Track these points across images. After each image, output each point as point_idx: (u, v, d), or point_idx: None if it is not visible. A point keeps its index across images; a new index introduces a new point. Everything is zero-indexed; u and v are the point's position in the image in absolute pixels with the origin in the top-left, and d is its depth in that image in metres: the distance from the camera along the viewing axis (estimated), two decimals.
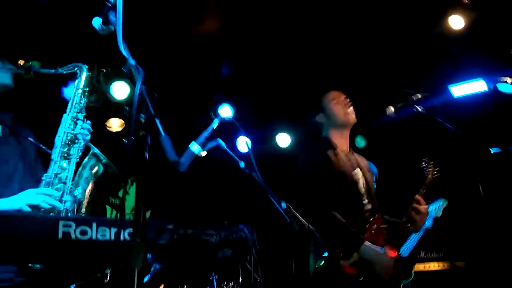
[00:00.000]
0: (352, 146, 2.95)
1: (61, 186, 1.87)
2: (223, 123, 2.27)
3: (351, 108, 2.87)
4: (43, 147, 2.05)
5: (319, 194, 2.44)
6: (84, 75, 2.07)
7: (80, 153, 1.99)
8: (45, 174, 1.90)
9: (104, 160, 1.97)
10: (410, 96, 2.76)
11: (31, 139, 2.04)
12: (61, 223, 1.19)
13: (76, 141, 1.97)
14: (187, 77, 4.94)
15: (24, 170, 2.00)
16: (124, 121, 5.45)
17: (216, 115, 5.00)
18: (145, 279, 2.36)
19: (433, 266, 4.73)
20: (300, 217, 1.82)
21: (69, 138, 1.96)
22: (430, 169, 2.88)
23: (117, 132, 5.41)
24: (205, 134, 2.13)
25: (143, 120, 1.29)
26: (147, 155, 1.99)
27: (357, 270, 2.36)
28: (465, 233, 4.59)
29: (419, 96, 2.64)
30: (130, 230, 1.27)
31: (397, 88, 3.02)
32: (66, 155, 1.93)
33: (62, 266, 1.41)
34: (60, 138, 1.95)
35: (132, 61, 1.46)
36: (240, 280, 4.17)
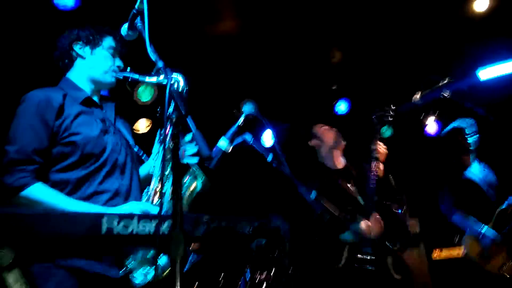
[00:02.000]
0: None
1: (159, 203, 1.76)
2: (248, 119, 2.32)
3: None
4: (141, 153, 2.12)
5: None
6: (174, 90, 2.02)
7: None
8: (147, 187, 1.91)
9: (202, 179, 1.97)
10: (436, 82, 2.73)
11: (132, 143, 2.09)
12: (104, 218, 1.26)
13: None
14: (209, 76, 5.01)
15: (132, 162, 2.04)
16: (151, 120, 5.58)
17: (240, 111, 5.04)
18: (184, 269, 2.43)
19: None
20: (329, 207, 1.85)
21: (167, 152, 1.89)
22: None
23: (144, 134, 5.54)
24: (232, 130, 2.18)
25: (174, 119, 1.36)
26: (180, 152, 2.07)
27: None
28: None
29: (445, 81, 2.61)
30: (168, 223, 1.34)
31: (423, 74, 3.00)
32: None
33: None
34: (159, 152, 1.95)
35: (160, 63, 1.53)
36: (273, 271, 4.23)
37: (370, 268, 2.56)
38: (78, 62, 2.06)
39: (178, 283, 1.17)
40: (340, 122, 6.15)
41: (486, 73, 4.68)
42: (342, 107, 6.17)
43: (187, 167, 1.99)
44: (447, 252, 4.74)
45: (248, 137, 2.13)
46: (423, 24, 4.52)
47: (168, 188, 1.78)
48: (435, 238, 4.92)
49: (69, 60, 2.06)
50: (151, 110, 5.29)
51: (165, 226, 1.34)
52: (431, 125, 5.83)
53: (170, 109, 1.41)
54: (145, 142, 2.17)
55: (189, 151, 2.03)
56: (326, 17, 4.52)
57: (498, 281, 3.12)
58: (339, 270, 2.44)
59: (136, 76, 1.96)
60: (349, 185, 2.84)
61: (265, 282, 4.34)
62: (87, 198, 1.79)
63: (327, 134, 3.15)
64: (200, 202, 1.92)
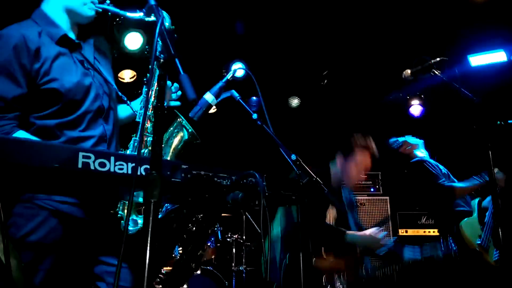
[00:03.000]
0: None
1: (147, 151, 1.78)
2: (237, 81, 2.27)
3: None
4: (120, 93, 2.03)
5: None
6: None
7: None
8: (134, 137, 1.86)
9: (190, 130, 1.94)
10: (427, 61, 2.72)
11: (111, 81, 2.00)
12: (80, 154, 1.23)
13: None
14: (201, 34, 4.88)
15: (114, 105, 1.98)
16: (135, 72, 5.47)
17: (229, 71, 4.97)
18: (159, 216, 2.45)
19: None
20: (308, 169, 1.86)
21: (154, 100, 1.87)
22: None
23: (128, 83, 5.43)
24: (219, 84, 2.14)
25: (162, 60, 1.31)
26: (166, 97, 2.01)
27: None
28: None
29: (437, 59, 2.60)
30: (146, 166, 1.32)
31: (416, 56, 2.98)
32: (151, 117, 1.83)
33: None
34: (145, 99, 1.88)
35: (152, 1, 1.47)
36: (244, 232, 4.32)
37: None
38: None
39: (151, 227, 1.17)
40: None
41: (477, 59, 4.71)
42: None
43: (174, 116, 1.97)
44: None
45: (235, 93, 2.08)
46: (419, 6, 4.47)
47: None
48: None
49: None
50: (138, 61, 5.17)
51: (142, 169, 1.32)
52: (415, 108, 5.92)
53: (159, 51, 1.36)
54: (129, 92, 2.11)
55: (173, 95, 1.99)
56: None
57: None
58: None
59: (117, 10, 1.86)
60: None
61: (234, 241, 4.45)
62: (72, 144, 1.74)
63: (365, 160, 2.98)
64: (184, 153, 1.91)
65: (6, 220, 1.62)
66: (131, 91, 2.16)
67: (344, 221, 2.94)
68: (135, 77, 5.51)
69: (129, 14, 1.82)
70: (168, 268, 3.44)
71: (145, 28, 4.66)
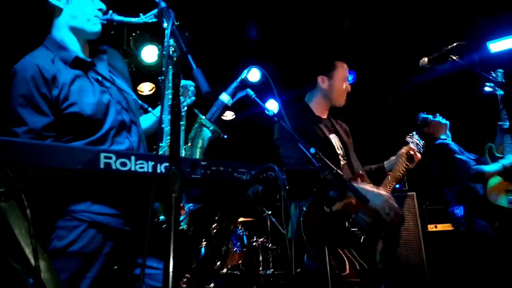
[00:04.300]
0: None
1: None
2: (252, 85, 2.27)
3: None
4: (140, 102, 2.06)
5: (295, 156, 2.48)
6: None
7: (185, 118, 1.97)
8: (160, 144, 1.86)
9: (211, 128, 1.95)
10: (444, 47, 2.67)
11: (130, 92, 2.03)
12: (102, 155, 1.26)
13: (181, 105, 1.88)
14: (216, 38, 4.94)
15: (135, 117, 2.01)
16: (154, 84, 5.57)
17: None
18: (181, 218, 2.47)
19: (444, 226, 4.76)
20: (328, 162, 1.84)
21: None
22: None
23: (148, 96, 5.54)
24: (234, 84, 2.15)
25: (175, 58, 1.34)
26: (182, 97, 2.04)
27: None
28: None
29: (454, 45, 2.55)
30: (166, 164, 1.34)
31: (434, 45, 2.93)
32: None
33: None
34: (164, 103, 1.88)
35: (163, 4, 1.50)
36: (269, 236, 4.31)
37: (360, 236, 2.45)
38: (57, 15, 1.91)
39: (173, 222, 1.18)
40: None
41: (497, 45, 4.59)
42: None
43: (195, 116, 1.98)
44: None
45: (250, 91, 2.09)
46: None
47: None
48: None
49: (48, 15, 1.93)
50: (156, 73, 5.28)
51: (162, 166, 1.33)
52: None
53: (171, 50, 1.38)
54: (148, 104, 2.15)
55: (190, 94, 2.01)
56: None
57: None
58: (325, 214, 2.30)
59: (121, 18, 1.88)
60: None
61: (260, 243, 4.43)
62: None
63: (346, 70, 2.95)
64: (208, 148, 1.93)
65: (49, 233, 1.72)
66: (151, 103, 2.20)
67: None
68: (153, 89, 5.62)
69: (134, 21, 1.84)
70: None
71: (160, 38, 4.76)
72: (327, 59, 2.90)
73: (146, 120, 2.19)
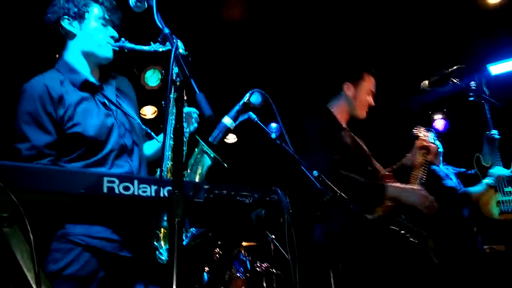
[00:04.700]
0: None
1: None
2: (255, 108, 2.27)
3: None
4: (144, 127, 2.08)
5: (333, 160, 2.46)
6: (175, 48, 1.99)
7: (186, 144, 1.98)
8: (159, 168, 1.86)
9: (212, 155, 1.97)
10: (445, 70, 2.70)
11: (136, 118, 2.06)
12: (105, 179, 1.26)
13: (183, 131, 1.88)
14: (218, 61, 5.01)
15: (139, 141, 2.03)
16: (157, 108, 5.62)
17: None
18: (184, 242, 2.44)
19: None
20: (331, 185, 1.83)
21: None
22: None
23: (150, 119, 5.59)
24: (236, 108, 2.16)
25: (178, 82, 1.35)
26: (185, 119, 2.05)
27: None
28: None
29: (454, 68, 2.58)
30: (169, 187, 1.34)
31: (433, 67, 2.96)
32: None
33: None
34: (167, 129, 1.88)
35: (166, 30, 1.53)
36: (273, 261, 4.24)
37: (412, 239, 2.38)
38: (70, 39, 1.96)
39: (176, 247, 1.17)
40: None
41: (497, 68, 4.64)
42: None
43: (196, 142, 1.99)
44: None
45: (252, 115, 2.11)
46: (434, 16, 4.48)
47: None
48: None
49: (61, 39, 1.97)
50: (158, 96, 5.34)
51: (165, 190, 1.33)
52: (439, 122, 5.82)
53: (175, 75, 1.40)
54: (151, 128, 2.17)
55: (191, 120, 2.03)
56: (336, 8, 4.50)
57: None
58: (369, 222, 2.30)
59: (133, 46, 1.92)
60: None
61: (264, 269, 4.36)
62: None
63: (372, 82, 2.90)
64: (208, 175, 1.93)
65: (44, 255, 1.70)
66: (153, 127, 2.22)
67: None
68: (156, 113, 5.67)
69: (145, 49, 1.88)
70: None
71: (162, 62, 4.84)
72: (356, 67, 2.84)
73: (150, 147, 2.21)
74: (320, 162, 2.35)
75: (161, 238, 1.80)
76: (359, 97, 2.80)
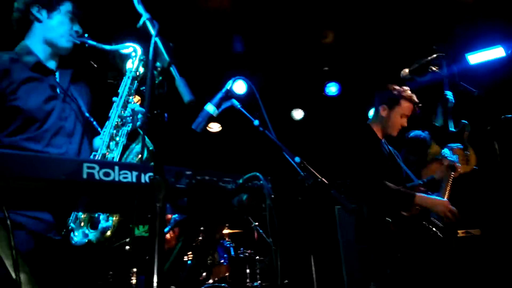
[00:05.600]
0: None
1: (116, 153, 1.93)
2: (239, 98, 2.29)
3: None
4: (94, 121, 2.13)
5: (372, 169, 2.83)
6: (138, 57, 2.08)
7: (126, 136, 2.03)
8: (94, 152, 1.96)
9: (151, 148, 1.97)
10: (424, 59, 2.74)
11: (84, 110, 2.13)
12: (85, 165, 1.25)
13: (126, 123, 2.02)
14: (200, 50, 4.96)
15: (83, 129, 2.10)
16: (140, 97, 5.54)
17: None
18: (165, 230, 2.45)
19: None
20: (313, 171, 1.86)
21: (119, 120, 1.99)
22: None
23: None
24: (219, 95, 2.17)
25: (159, 69, 1.34)
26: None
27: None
28: (481, 200, 4.57)
29: (434, 56, 2.61)
30: (150, 174, 1.33)
31: (413, 56, 3.00)
32: (114, 136, 1.97)
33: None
34: (110, 120, 1.98)
35: (147, 15, 1.50)
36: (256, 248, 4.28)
37: (439, 234, 2.79)
38: (35, 26, 2.06)
39: (158, 232, 1.17)
40: (330, 103, 6.20)
41: (476, 57, 4.73)
42: (332, 89, 6.20)
43: (138, 133, 2.02)
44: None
45: (235, 102, 2.11)
46: (413, 5, 4.52)
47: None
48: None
49: (26, 23, 2.06)
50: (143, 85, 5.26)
51: (147, 176, 1.33)
52: None
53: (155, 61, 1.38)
54: None
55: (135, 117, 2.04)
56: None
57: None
58: (405, 218, 2.69)
59: (94, 43, 2.00)
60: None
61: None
62: None
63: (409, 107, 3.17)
64: (187, 159, 1.93)
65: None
66: None
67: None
68: (139, 102, 5.60)
69: (107, 48, 1.98)
70: None
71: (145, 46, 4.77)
72: (395, 95, 3.11)
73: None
74: (360, 170, 2.82)
75: (82, 221, 1.80)
76: (391, 119, 3.12)
